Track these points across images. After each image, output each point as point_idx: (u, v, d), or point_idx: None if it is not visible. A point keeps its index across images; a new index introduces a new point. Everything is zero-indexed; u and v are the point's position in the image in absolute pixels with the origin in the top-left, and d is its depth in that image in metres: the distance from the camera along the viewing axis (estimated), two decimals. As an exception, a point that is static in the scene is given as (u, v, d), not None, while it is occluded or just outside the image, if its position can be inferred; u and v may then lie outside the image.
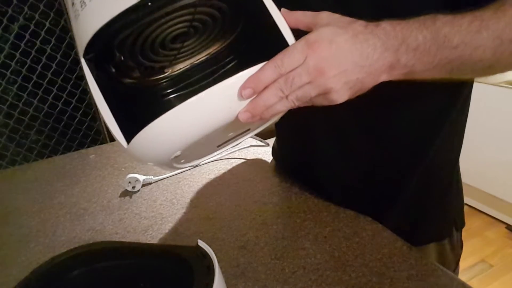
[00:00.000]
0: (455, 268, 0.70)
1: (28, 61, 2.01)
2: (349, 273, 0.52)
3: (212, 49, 0.42)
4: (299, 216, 0.67)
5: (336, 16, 0.38)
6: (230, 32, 0.42)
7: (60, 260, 0.42)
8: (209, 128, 0.36)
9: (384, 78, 0.40)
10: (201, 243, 0.41)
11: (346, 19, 0.38)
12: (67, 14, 2.02)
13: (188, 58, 0.42)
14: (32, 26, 1.98)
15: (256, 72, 0.35)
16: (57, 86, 2.10)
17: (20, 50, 1.98)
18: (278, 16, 0.40)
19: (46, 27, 2.01)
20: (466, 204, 2.04)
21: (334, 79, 0.37)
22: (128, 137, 0.39)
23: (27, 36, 1.98)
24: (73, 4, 0.38)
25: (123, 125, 0.39)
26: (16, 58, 1.99)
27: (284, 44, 0.37)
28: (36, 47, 2.01)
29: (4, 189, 0.89)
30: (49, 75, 2.07)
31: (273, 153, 0.87)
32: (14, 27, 1.96)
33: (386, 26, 0.38)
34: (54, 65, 2.07)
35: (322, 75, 0.36)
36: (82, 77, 2.16)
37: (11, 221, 0.75)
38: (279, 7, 0.44)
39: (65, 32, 2.07)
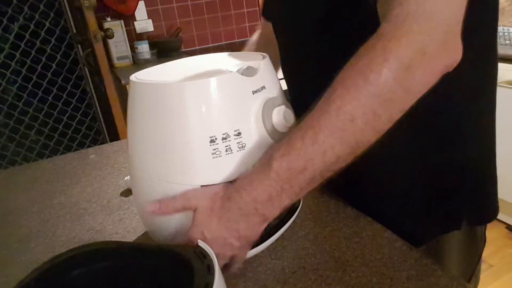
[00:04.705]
0: (478, 262, 0.66)
1: (28, 61, 2.01)
2: (349, 273, 0.52)
3: None
4: (299, 216, 0.66)
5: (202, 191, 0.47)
6: None
7: (60, 260, 0.42)
8: None
9: (264, 225, 0.47)
10: (201, 243, 0.41)
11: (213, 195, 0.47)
12: (67, 14, 2.02)
13: None
14: (32, 26, 1.98)
15: None
16: (57, 86, 2.10)
17: (20, 50, 1.98)
18: None
19: (46, 27, 2.01)
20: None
21: (223, 249, 0.46)
22: None
23: (27, 36, 1.98)
24: (224, 138, 0.44)
25: None
26: (16, 58, 1.99)
27: None
28: (36, 47, 2.01)
29: (4, 189, 0.89)
30: (49, 75, 2.07)
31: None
32: (14, 27, 1.96)
33: (235, 195, 0.44)
34: (54, 65, 2.07)
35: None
36: (82, 77, 2.16)
37: (11, 221, 0.75)
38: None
39: (65, 32, 2.06)
